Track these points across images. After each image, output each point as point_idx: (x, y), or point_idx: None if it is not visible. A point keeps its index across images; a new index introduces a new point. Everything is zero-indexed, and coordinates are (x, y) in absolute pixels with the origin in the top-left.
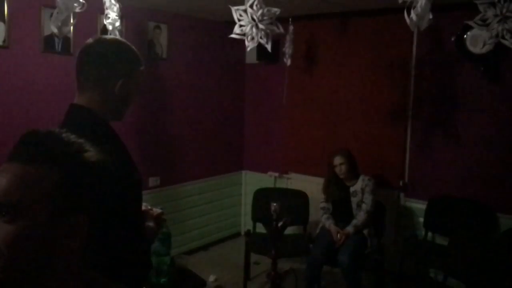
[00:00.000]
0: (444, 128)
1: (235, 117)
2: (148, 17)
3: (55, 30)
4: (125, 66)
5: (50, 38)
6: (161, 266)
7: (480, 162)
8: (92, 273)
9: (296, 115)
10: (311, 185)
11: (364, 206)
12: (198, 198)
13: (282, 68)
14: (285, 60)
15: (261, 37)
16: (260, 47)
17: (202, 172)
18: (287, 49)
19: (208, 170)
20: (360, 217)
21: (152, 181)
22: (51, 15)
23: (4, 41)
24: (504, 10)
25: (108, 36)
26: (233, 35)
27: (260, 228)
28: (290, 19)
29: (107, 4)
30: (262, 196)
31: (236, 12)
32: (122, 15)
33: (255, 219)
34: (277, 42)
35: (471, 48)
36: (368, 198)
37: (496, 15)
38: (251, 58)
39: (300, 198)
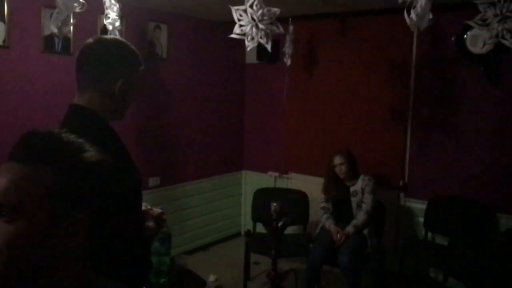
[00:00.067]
0: (444, 128)
1: (235, 117)
2: (148, 17)
3: (55, 30)
4: (125, 66)
5: (50, 38)
6: (161, 266)
7: (480, 162)
8: (92, 273)
9: (296, 115)
10: (311, 185)
11: (364, 206)
12: (198, 198)
13: (282, 68)
14: (285, 60)
15: (261, 37)
16: (260, 47)
17: (202, 172)
18: (287, 49)
19: (208, 170)
20: (360, 217)
21: (152, 181)
22: (51, 15)
23: (4, 41)
24: (504, 10)
25: (108, 36)
26: (233, 35)
27: (260, 228)
28: (290, 19)
29: (107, 4)
30: (262, 196)
31: (236, 12)
32: (122, 15)
33: (255, 219)
34: (277, 42)
35: (471, 48)
36: (368, 198)
37: (496, 15)
38: (251, 58)
39: (300, 198)
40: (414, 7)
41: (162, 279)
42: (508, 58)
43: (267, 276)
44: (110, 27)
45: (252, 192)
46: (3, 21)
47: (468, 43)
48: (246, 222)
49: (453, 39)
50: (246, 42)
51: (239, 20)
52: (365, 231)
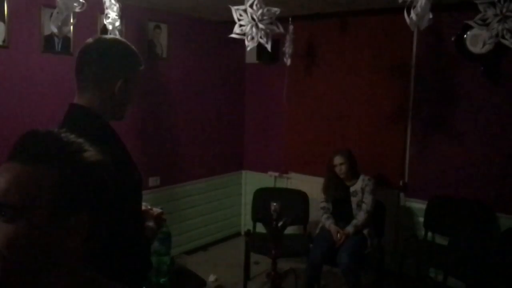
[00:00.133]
0: (444, 128)
1: (235, 117)
2: (148, 17)
3: (55, 30)
4: (124, 66)
5: (50, 38)
6: (161, 266)
7: (480, 162)
8: (92, 272)
9: (296, 115)
10: (311, 185)
11: (364, 206)
12: (198, 198)
13: (282, 68)
14: (285, 60)
15: (261, 37)
16: (260, 47)
17: (202, 172)
18: (287, 49)
19: (208, 170)
20: (360, 217)
21: (152, 181)
22: (51, 15)
23: (4, 41)
24: (504, 10)
25: (108, 36)
26: (233, 35)
27: (260, 228)
28: (290, 19)
29: (107, 4)
30: (262, 196)
31: (236, 12)
32: (122, 15)
33: (255, 219)
34: (277, 42)
35: (471, 48)
36: (368, 198)
37: (496, 15)
38: (251, 58)
39: (300, 198)
40: (414, 7)
41: (162, 279)
42: (508, 58)
43: (267, 276)
44: (110, 27)
45: (252, 192)
46: (3, 21)
47: (468, 43)
48: (246, 222)
49: (453, 39)
50: (246, 42)
51: (239, 20)
52: (365, 231)
